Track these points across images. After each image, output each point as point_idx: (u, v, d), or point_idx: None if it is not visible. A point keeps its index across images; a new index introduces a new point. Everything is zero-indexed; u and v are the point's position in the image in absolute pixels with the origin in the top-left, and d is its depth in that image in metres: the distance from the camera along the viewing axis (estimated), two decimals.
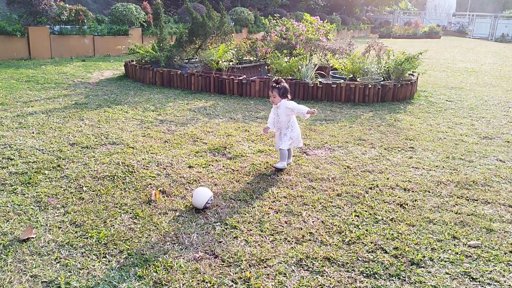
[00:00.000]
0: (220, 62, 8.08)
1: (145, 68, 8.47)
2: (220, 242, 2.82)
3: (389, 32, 30.86)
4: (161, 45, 8.84)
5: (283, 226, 3.06)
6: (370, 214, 3.29)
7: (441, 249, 2.83)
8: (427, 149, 4.97)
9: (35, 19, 11.32)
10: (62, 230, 2.88)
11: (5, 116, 5.58)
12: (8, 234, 2.80)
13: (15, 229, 2.86)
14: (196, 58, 8.92)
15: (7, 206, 3.17)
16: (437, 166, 4.41)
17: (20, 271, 2.43)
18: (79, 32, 12.21)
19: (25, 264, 2.49)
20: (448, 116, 6.61)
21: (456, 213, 3.36)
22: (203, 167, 4.11)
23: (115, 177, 3.81)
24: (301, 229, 3.03)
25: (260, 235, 2.93)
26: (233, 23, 18.49)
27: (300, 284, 2.42)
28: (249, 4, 23.23)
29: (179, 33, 8.82)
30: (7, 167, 3.90)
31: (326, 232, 2.99)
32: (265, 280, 2.45)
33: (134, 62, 9.07)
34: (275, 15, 10.16)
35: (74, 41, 12.09)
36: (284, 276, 2.49)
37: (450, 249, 2.83)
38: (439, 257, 2.73)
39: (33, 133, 4.95)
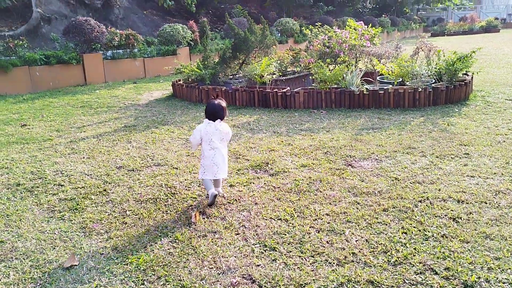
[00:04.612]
0: (264, 75, 8.07)
1: (191, 86, 8.62)
2: (258, 265, 2.74)
3: (443, 30, 29.68)
4: (205, 63, 8.98)
5: (324, 247, 2.92)
6: (419, 230, 3.08)
7: (499, 268, 2.57)
8: (484, 154, 4.62)
9: (90, 46, 11.94)
10: (104, 256, 2.93)
11: (59, 143, 5.86)
12: (53, 262, 2.88)
13: (60, 257, 2.94)
14: (240, 74, 8.97)
15: (55, 233, 3.28)
16: (495, 173, 4.08)
17: None
18: (130, 56, 12.73)
19: None
20: (508, 116, 6.15)
21: None
22: (244, 186, 4.06)
23: (157, 199, 3.85)
24: (344, 249, 2.88)
25: (300, 256, 2.82)
26: (279, 34, 18.54)
27: None
28: (294, 14, 23.22)
29: (222, 49, 8.92)
30: (58, 194, 4.05)
31: (370, 252, 2.82)
32: None
33: (181, 82, 9.27)
34: (316, 24, 10.03)
35: (126, 64, 12.60)
36: None
37: (510, 268, 2.57)
38: (497, 278, 2.48)
39: (83, 158, 5.14)
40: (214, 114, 3.67)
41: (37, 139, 6.05)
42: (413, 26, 33.22)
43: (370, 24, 9.36)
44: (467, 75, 8.01)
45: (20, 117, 7.65)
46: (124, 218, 3.52)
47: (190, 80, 9.14)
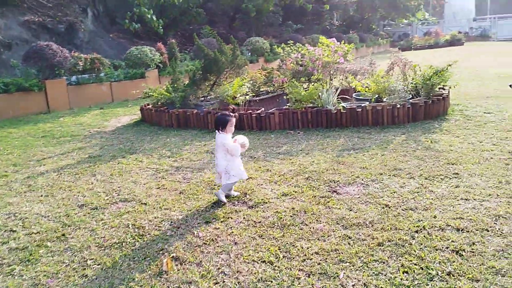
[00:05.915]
0: (237, 96, 7.73)
1: (161, 110, 8.20)
2: None
3: (410, 44, 30.25)
4: (175, 85, 8.58)
5: None
6: (422, 268, 2.73)
7: None
8: (474, 173, 4.36)
9: (53, 72, 11.36)
10: None
11: (15, 179, 5.31)
12: None
13: None
14: (212, 95, 8.61)
15: None
16: (490, 194, 3.81)
17: None
18: (96, 80, 12.19)
19: None
20: (490, 130, 5.97)
21: None
22: (221, 221, 3.65)
23: (123, 243, 3.39)
24: None
25: None
26: (249, 54, 18.34)
27: None
28: (264, 33, 23.16)
29: (191, 71, 8.56)
30: (8, 242, 3.54)
31: None
32: None
33: (150, 106, 8.82)
34: (288, 42, 9.81)
35: (92, 89, 12.05)
36: None
37: None
38: None
39: (41, 196, 4.62)
40: (215, 125, 4.16)
41: None
42: (380, 41, 33.84)
43: (343, 41, 9.19)
44: (444, 89, 7.88)
45: None
46: (85, 269, 3.05)
47: (159, 104, 8.69)
